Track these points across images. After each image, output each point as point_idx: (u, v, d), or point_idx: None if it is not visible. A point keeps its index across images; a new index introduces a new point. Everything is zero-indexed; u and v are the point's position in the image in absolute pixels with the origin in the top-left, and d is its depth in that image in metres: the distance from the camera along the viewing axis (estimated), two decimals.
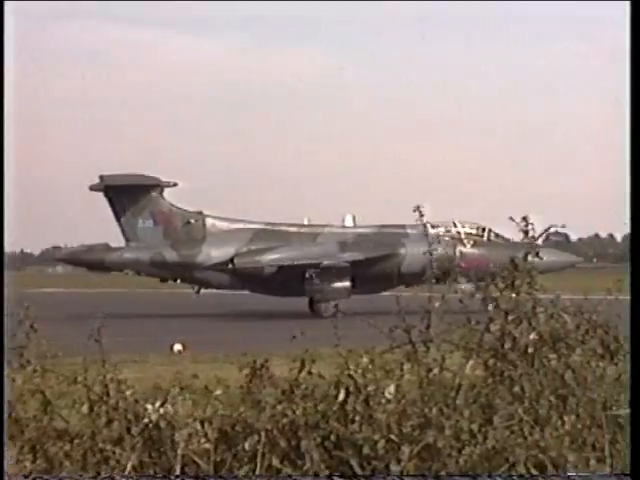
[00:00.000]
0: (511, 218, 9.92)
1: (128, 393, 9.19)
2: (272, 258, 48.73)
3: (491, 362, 9.65)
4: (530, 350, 9.60)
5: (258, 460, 8.90)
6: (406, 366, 9.50)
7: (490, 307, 9.81)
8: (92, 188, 49.18)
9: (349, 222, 52.12)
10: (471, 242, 49.71)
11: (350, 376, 9.18)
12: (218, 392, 9.35)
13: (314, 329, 10.87)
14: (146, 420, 8.97)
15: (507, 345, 9.64)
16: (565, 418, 9.22)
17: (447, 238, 48.87)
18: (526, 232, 10.02)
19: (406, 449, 8.83)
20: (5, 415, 9.17)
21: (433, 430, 8.92)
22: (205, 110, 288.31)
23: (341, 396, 9.11)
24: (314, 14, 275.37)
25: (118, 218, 49.76)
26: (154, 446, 8.98)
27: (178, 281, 51.29)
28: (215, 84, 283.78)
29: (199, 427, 8.93)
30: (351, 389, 9.14)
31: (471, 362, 9.65)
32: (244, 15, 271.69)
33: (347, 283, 47.54)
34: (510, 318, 9.70)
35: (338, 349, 9.40)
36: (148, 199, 49.53)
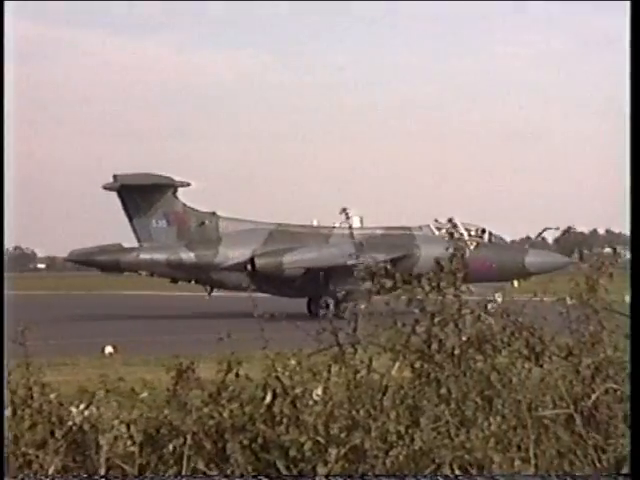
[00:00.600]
0: (436, 220, 9.96)
1: (52, 396, 9.07)
2: (296, 259, 47.95)
3: (418, 364, 9.68)
4: (456, 352, 9.64)
5: (184, 462, 8.84)
6: (334, 368, 9.49)
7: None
8: (106, 187, 47.89)
9: (356, 224, 51.08)
10: (473, 244, 49.56)
11: (277, 378, 9.15)
12: (144, 395, 9.26)
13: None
14: (70, 423, 8.86)
15: (434, 347, 9.66)
16: (491, 419, 9.27)
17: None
18: (451, 234, 10.07)
19: (333, 451, 8.83)
20: (5, 416, 8.99)
21: (360, 432, 8.93)
22: (203, 110, 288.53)
23: (268, 398, 9.08)
24: (312, 14, 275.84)
25: (131, 218, 48.58)
26: (78, 449, 8.88)
27: (192, 282, 50.13)
28: (211, 84, 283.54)
29: (124, 430, 8.84)
30: (278, 391, 9.11)
31: (398, 364, 9.67)
32: (242, 14, 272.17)
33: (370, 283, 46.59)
34: (436, 320, 9.73)
35: (266, 351, 9.36)
36: (163, 199, 48.39)
